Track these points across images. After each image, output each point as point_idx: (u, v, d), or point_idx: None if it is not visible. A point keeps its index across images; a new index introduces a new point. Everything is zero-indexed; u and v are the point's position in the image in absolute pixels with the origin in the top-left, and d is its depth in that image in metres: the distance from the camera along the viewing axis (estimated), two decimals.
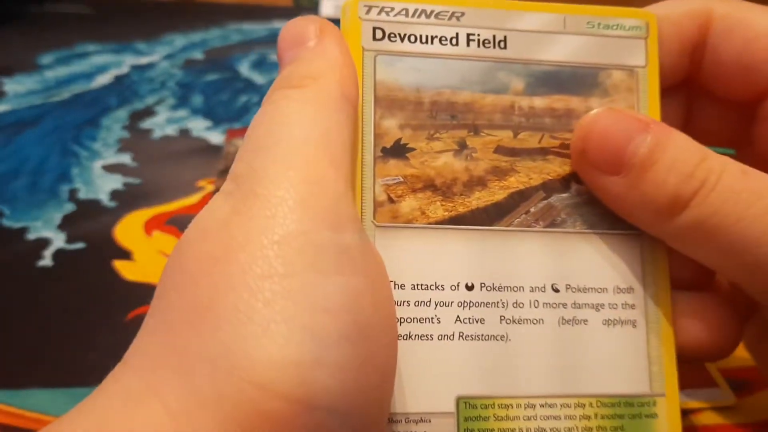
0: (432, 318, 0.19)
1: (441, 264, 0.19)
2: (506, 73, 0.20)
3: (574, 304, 0.20)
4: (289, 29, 0.20)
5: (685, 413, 0.28)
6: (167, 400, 0.14)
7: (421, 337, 0.19)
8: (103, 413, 0.14)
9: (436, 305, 0.19)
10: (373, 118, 0.19)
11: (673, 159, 0.19)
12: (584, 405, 0.19)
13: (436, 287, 0.19)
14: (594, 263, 0.20)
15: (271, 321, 0.15)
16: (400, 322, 0.19)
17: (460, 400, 0.18)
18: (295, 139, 0.17)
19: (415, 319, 0.19)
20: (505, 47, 0.20)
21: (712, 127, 0.24)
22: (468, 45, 0.20)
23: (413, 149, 0.20)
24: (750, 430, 0.28)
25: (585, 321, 0.20)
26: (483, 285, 0.19)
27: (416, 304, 0.19)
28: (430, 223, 0.19)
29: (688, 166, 0.19)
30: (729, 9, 0.22)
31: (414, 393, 0.18)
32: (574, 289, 0.20)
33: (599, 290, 0.20)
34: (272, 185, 0.16)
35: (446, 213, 0.19)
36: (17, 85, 0.51)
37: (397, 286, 0.19)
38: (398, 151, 0.19)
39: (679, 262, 0.21)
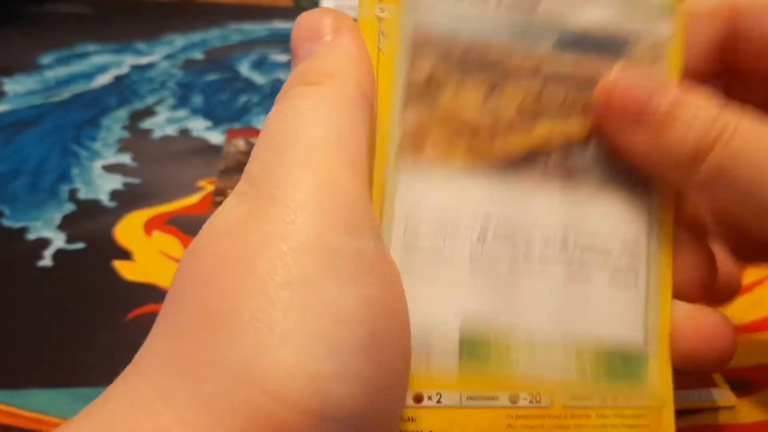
0: (443, 250, 0.19)
1: (458, 205, 0.19)
2: (536, 33, 0.20)
3: (581, 260, 0.20)
4: (304, 22, 0.19)
5: (686, 413, 0.28)
6: (178, 407, 0.14)
7: (430, 265, 0.19)
8: (111, 418, 0.14)
9: (450, 239, 0.19)
10: (408, 60, 0.19)
11: (691, 116, 0.20)
12: (582, 352, 0.20)
13: (452, 225, 0.19)
14: (603, 220, 0.21)
15: (288, 331, 0.14)
16: (413, 249, 0.19)
17: (463, 324, 0.19)
18: (312, 140, 0.16)
19: (428, 249, 0.19)
20: (536, 8, 0.20)
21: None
22: (499, 5, 0.20)
23: (442, 91, 0.20)
24: (750, 430, 0.28)
25: (589, 277, 0.20)
26: (496, 231, 0.19)
27: (431, 235, 0.19)
28: (452, 165, 0.19)
29: (707, 120, 0.20)
30: None
31: (417, 310, 0.18)
32: (581, 247, 0.20)
33: (605, 249, 0.20)
34: (289, 188, 0.16)
35: (469, 156, 0.19)
36: (17, 85, 0.51)
37: (415, 220, 0.19)
38: (427, 90, 0.20)
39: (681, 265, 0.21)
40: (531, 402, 0.19)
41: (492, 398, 0.19)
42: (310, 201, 0.16)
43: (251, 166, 0.17)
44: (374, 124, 0.19)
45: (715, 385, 0.29)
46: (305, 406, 0.14)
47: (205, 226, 0.16)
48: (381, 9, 0.20)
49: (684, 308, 0.21)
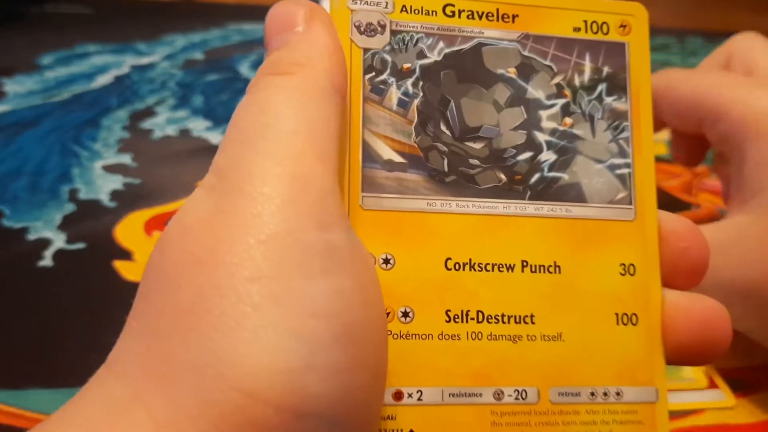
0: None
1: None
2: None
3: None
4: (277, 12, 0.19)
5: (686, 413, 0.28)
6: (152, 410, 0.14)
7: None
8: (86, 422, 0.14)
9: None
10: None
11: None
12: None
13: None
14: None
15: (260, 326, 0.14)
16: None
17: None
18: (282, 132, 0.16)
19: None
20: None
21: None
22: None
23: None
24: (750, 431, 0.28)
25: None
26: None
27: None
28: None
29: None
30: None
31: None
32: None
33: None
34: (258, 182, 0.15)
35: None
36: (17, 86, 0.51)
37: None
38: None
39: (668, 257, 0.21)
40: (516, 398, 0.19)
41: (475, 395, 0.19)
42: (279, 194, 0.15)
43: (219, 159, 0.17)
44: (345, 116, 0.19)
45: (715, 385, 0.29)
46: (279, 402, 0.14)
47: (173, 220, 0.16)
48: (354, 1, 0.19)
49: (675, 297, 0.20)
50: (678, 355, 0.20)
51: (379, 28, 0.20)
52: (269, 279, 0.14)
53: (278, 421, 0.14)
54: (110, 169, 0.43)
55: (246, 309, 0.14)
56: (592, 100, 0.21)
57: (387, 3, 0.20)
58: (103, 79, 0.54)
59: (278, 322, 0.14)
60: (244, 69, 0.58)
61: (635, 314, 0.20)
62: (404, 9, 0.20)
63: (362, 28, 0.19)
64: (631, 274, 0.20)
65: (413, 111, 0.20)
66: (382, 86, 0.19)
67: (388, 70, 0.19)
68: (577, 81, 0.21)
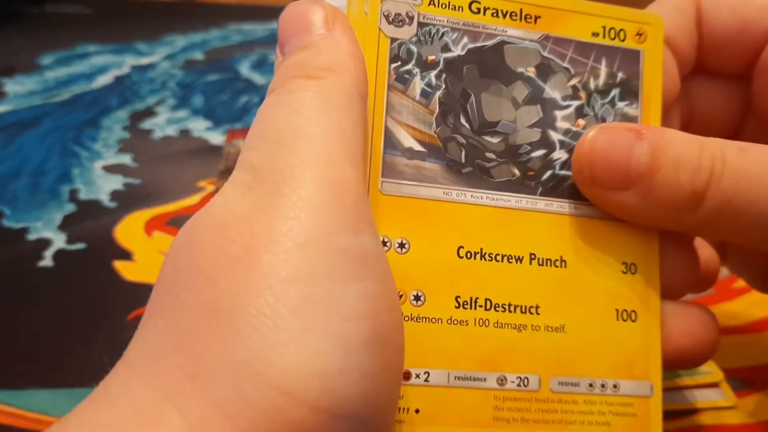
0: None
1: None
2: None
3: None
4: (295, 12, 0.19)
5: (687, 413, 0.28)
6: (185, 410, 0.14)
7: None
8: (112, 425, 0.14)
9: None
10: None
11: (676, 157, 0.19)
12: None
13: None
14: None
15: (297, 328, 0.14)
16: None
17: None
18: (316, 136, 0.16)
19: None
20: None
21: (713, 112, 0.25)
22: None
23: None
24: (750, 431, 0.28)
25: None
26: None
27: None
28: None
29: (693, 159, 0.19)
30: None
31: None
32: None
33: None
34: (297, 184, 0.16)
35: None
36: (18, 86, 0.51)
37: None
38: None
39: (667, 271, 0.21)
40: (519, 385, 0.19)
41: (480, 379, 0.19)
42: (317, 198, 0.15)
43: (252, 156, 0.17)
44: (369, 122, 0.19)
45: (715, 385, 0.29)
46: (316, 403, 0.14)
47: (202, 216, 0.16)
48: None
49: (669, 307, 0.21)
50: (671, 360, 0.21)
51: (407, 20, 0.20)
52: (306, 281, 0.15)
53: (314, 422, 0.14)
54: (110, 169, 0.43)
55: (283, 310, 0.14)
56: (605, 104, 0.21)
57: None
58: (104, 80, 0.54)
59: (315, 324, 0.14)
60: (244, 69, 0.58)
61: (635, 311, 0.20)
62: (432, 2, 0.20)
63: (391, 18, 0.20)
64: (633, 273, 0.21)
65: (435, 102, 0.20)
66: (406, 76, 0.20)
67: (414, 61, 0.20)
68: (592, 84, 0.21)
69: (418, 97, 0.20)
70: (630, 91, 0.21)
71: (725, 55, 0.24)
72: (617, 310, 0.20)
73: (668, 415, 0.28)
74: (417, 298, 0.19)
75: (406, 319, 0.19)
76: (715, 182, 0.19)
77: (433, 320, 0.19)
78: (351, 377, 0.14)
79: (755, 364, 0.31)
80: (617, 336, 0.20)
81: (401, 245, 0.19)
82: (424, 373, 0.19)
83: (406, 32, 0.20)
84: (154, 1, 0.67)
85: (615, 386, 0.20)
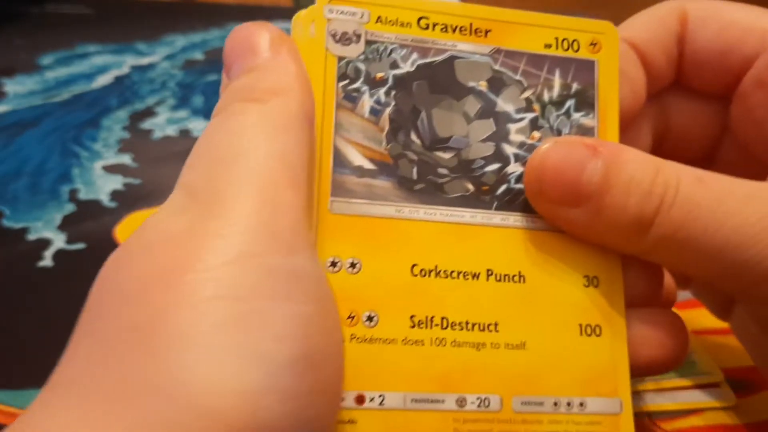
0: None
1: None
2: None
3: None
4: (241, 35, 0.19)
5: (686, 413, 0.28)
6: None
7: None
8: None
9: None
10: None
11: (627, 180, 0.19)
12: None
13: None
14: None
15: (219, 347, 0.14)
16: None
17: None
18: (257, 157, 0.16)
19: None
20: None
21: (690, 131, 0.25)
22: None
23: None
24: (750, 431, 0.28)
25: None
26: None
27: None
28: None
29: (644, 184, 0.19)
30: (702, 5, 0.23)
31: None
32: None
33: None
34: (230, 203, 0.15)
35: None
36: (18, 86, 0.51)
37: None
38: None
39: (631, 280, 0.21)
40: (479, 406, 0.19)
41: (438, 401, 0.18)
42: (249, 218, 0.15)
43: (190, 177, 0.17)
44: (315, 144, 0.19)
45: (715, 385, 0.29)
46: (238, 424, 0.13)
47: (134, 237, 0.16)
48: (330, 10, 0.20)
49: (635, 316, 0.20)
50: (638, 368, 0.20)
51: (354, 38, 0.20)
52: (231, 300, 0.14)
53: None
54: (110, 169, 0.43)
55: (206, 329, 0.14)
56: (560, 116, 0.21)
57: (363, 14, 0.20)
58: (104, 80, 0.53)
59: (238, 342, 0.14)
60: None
61: (599, 326, 0.20)
62: (379, 20, 0.20)
63: (337, 37, 0.20)
64: (595, 287, 0.20)
65: (385, 119, 0.20)
66: (355, 94, 0.20)
67: (362, 79, 0.20)
68: (546, 96, 0.21)
69: (367, 114, 0.20)
70: (586, 102, 0.21)
71: (706, 74, 0.24)
72: (581, 325, 0.20)
73: (668, 415, 0.28)
74: (370, 318, 0.18)
75: (359, 340, 0.18)
76: (664, 211, 0.18)
77: (388, 341, 0.18)
78: (276, 397, 0.14)
79: (755, 366, 0.31)
80: (582, 352, 0.20)
81: (352, 265, 0.19)
82: (379, 396, 0.18)
83: (354, 50, 0.20)
84: (154, 1, 0.67)
85: (582, 404, 0.19)
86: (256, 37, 0.18)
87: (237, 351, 0.14)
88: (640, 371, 0.20)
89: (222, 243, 0.15)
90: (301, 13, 0.20)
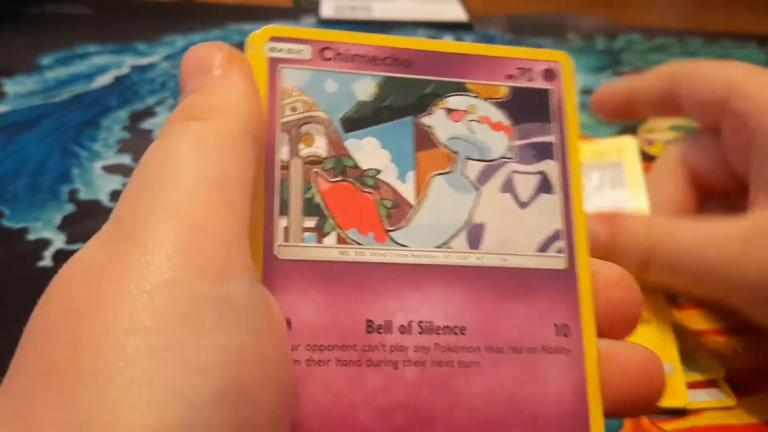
0: None
1: None
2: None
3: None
4: (193, 55, 0.18)
5: (686, 414, 0.28)
6: None
7: None
8: None
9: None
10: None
11: (629, 241, 0.28)
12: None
13: None
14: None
15: (132, 382, 0.13)
16: None
17: None
18: (187, 180, 0.15)
19: None
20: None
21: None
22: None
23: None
24: (750, 431, 0.28)
25: None
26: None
27: None
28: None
29: (641, 241, 0.28)
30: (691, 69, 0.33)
31: None
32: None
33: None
34: (152, 229, 0.14)
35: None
36: (17, 86, 0.51)
37: None
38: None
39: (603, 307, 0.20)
40: None
41: None
42: (172, 243, 0.14)
43: (120, 205, 0.16)
44: (261, 164, 0.18)
45: (715, 385, 0.29)
46: None
47: (61, 270, 0.15)
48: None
49: (607, 345, 0.20)
50: (614, 408, 0.19)
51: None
52: (148, 331, 0.13)
53: None
54: (110, 169, 0.43)
55: (119, 364, 0.13)
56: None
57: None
58: (103, 80, 0.54)
59: (153, 377, 0.13)
60: None
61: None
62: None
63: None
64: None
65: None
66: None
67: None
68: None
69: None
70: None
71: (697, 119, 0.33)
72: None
73: (668, 415, 0.28)
74: None
75: None
76: (659, 257, 0.28)
77: None
78: None
79: (755, 366, 0.31)
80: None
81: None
82: None
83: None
84: (154, 2, 0.67)
85: None
86: (208, 57, 0.18)
87: (149, 386, 0.13)
88: (610, 412, 0.19)
89: (142, 272, 0.14)
90: (256, 33, 0.19)
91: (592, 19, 0.65)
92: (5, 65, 0.54)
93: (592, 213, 0.28)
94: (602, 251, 0.26)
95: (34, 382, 0.14)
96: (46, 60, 0.56)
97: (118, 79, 0.54)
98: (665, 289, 0.32)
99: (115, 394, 0.13)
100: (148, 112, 0.50)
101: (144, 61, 0.57)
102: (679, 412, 0.28)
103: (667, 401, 0.27)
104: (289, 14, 0.66)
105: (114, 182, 0.42)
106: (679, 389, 0.28)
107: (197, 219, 0.15)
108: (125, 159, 0.44)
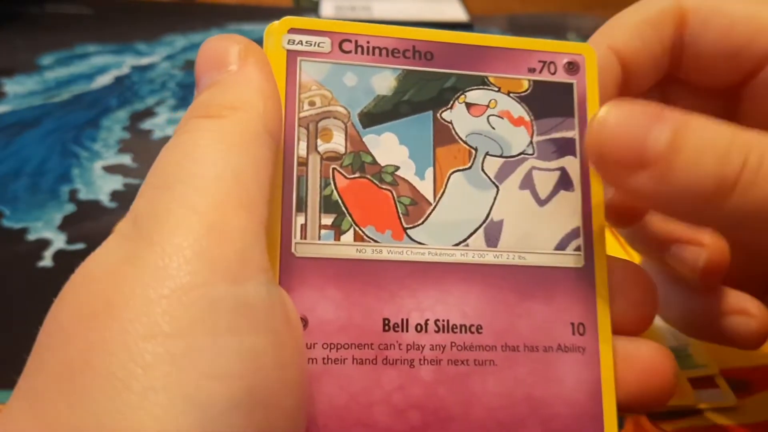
0: None
1: None
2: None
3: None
4: (209, 48, 0.18)
5: (686, 414, 0.28)
6: None
7: None
8: None
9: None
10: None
11: (699, 141, 0.17)
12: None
13: None
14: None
15: (150, 389, 0.13)
16: None
17: None
18: (204, 179, 0.15)
19: None
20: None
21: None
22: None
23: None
24: (750, 431, 0.28)
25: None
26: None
27: None
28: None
29: (720, 146, 0.17)
30: (700, 1, 0.22)
31: None
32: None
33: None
34: (169, 231, 0.14)
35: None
36: (17, 86, 0.51)
37: None
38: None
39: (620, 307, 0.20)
40: None
41: None
42: (190, 245, 0.14)
43: (137, 204, 0.15)
44: (279, 162, 0.18)
45: (715, 385, 0.29)
46: None
47: (78, 269, 0.15)
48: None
49: (621, 343, 0.19)
50: (625, 405, 0.19)
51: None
52: (166, 336, 0.13)
53: None
54: (110, 169, 0.43)
55: (136, 369, 0.13)
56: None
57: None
58: (103, 80, 0.53)
59: (171, 384, 0.13)
60: None
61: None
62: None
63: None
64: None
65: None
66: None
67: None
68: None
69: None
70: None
71: (710, 75, 0.23)
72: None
73: (669, 415, 0.28)
74: None
75: None
76: (748, 177, 0.16)
77: None
78: None
79: (756, 365, 0.31)
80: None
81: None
82: None
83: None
84: (154, 2, 0.67)
85: None
86: (223, 50, 0.18)
87: (166, 392, 0.13)
88: (620, 408, 0.19)
89: (159, 275, 0.14)
90: (274, 25, 0.19)
91: (592, 19, 0.65)
92: (5, 65, 0.54)
93: (626, 100, 0.18)
94: (657, 154, 0.17)
95: (46, 382, 0.14)
96: (46, 60, 0.56)
97: (118, 79, 0.54)
98: (739, 236, 0.21)
99: (131, 400, 0.13)
100: (148, 112, 0.50)
101: (144, 61, 0.57)
102: (687, 412, 0.28)
103: (674, 400, 0.27)
104: (289, 14, 0.66)
105: (114, 182, 0.42)
106: (684, 388, 0.28)
107: (215, 220, 0.15)
108: (125, 159, 0.44)
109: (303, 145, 0.19)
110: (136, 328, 0.13)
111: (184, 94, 0.53)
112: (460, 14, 0.66)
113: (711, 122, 0.17)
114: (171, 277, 0.14)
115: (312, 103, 0.19)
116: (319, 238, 0.18)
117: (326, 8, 0.65)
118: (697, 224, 0.20)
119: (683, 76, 0.23)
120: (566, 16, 0.66)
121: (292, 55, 0.19)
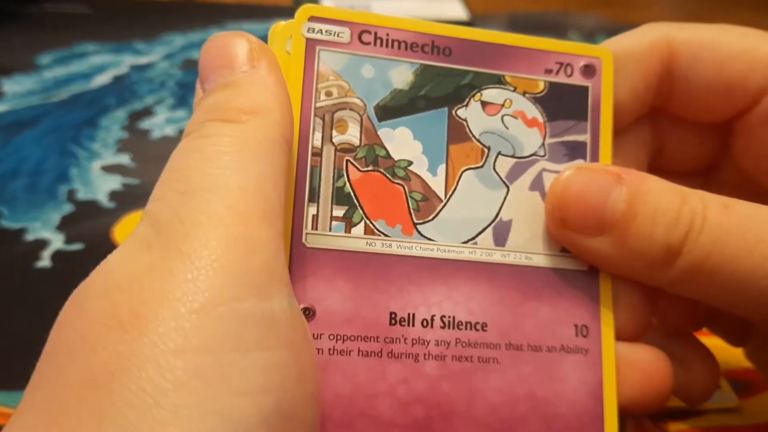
0: None
1: None
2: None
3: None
4: (216, 45, 0.17)
5: (688, 415, 0.28)
6: None
7: None
8: None
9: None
10: None
11: (653, 208, 0.18)
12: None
13: None
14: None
15: (181, 406, 0.13)
16: None
17: None
18: (228, 188, 0.15)
19: None
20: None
21: (686, 150, 0.24)
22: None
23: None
24: None
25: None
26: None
27: None
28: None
29: (671, 212, 0.18)
30: (689, 35, 0.21)
31: None
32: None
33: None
34: (198, 242, 0.14)
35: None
36: (16, 86, 0.51)
37: None
38: None
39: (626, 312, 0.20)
40: None
41: None
42: (219, 259, 0.14)
43: (157, 208, 0.15)
44: (293, 168, 0.18)
45: (717, 386, 0.29)
46: None
47: (95, 274, 0.15)
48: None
49: (622, 347, 0.20)
50: (625, 407, 0.19)
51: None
52: (196, 352, 0.13)
53: None
54: (109, 169, 0.43)
55: (167, 385, 0.13)
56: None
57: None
58: (102, 79, 0.53)
59: (202, 401, 0.13)
60: None
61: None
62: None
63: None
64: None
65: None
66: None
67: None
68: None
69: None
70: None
71: (702, 109, 0.22)
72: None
73: (671, 415, 0.28)
74: None
75: None
76: (692, 239, 0.18)
77: None
78: None
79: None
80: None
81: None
82: None
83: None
84: (154, 1, 0.67)
85: None
86: (233, 48, 0.17)
87: (198, 410, 0.13)
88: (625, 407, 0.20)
89: (188, 288, 0.14)
90: (279, 25, 0.19)
91: (593, 18, 0.65)
92: (3, 65, 0.54)
93: (589, 165, 0.20)
94: (612, 224, 0.18)
95: (68, 393, 0.13)
96: (44, 59, 0.55)
97: (117, 79, 0.54)
98: (687, 294, 0.21)
99: (162, 416, 0.12)
100: (147, 112, 0.50)
101: (143, 60, 0.57)
102: (689, 413, 0.28)
103: (677, 401, 0.27)
104: (290, 13, 0.65)
105: (113, 182, 0.42)
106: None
107: (240, 231, 0.14)
108: (124, 159, 0.44)
109: (318, 135, 0.19)
110: (166, 342, 0.13)
111: (183, 93, 0.53)
112: (460, 13, 0.65)
113: (664, 184, 0.19)
114: (201, 290, 0.14)
115: (329, 94, 0.19)
116: (330, 230, 0.18)
117: None
118: (647, 284, 0.20)
119: (674, 110, 0.23)
120: (568, 15, 0.66)
121: (311, 44, 0.19)
